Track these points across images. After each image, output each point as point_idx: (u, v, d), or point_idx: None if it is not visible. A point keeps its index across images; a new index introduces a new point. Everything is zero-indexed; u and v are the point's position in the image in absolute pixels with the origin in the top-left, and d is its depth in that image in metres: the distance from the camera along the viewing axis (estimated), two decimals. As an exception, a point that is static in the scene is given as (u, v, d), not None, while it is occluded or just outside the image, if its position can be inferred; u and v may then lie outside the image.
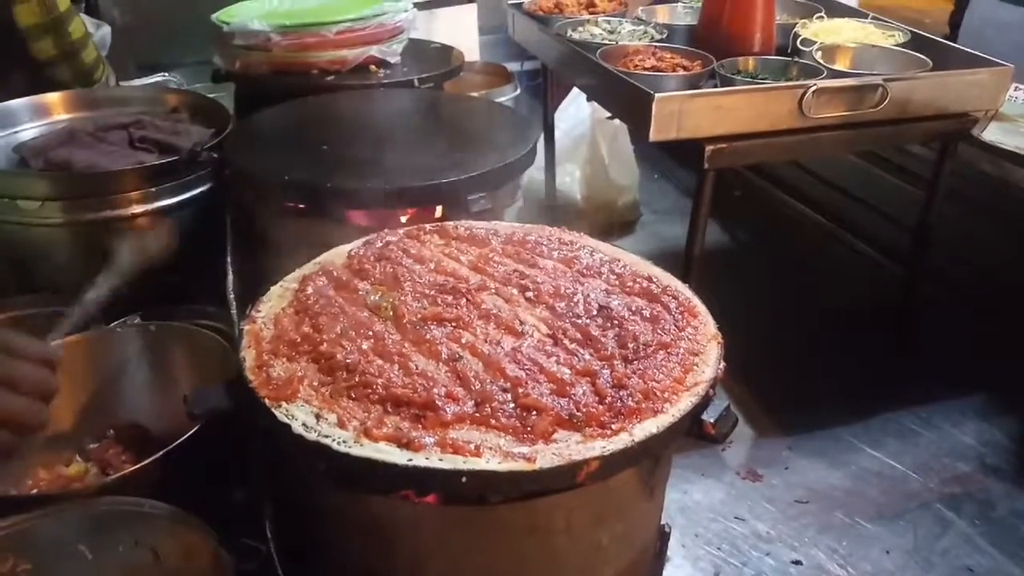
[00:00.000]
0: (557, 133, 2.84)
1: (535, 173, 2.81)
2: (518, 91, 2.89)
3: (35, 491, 1.23)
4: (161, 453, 1.09)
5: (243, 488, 1.15)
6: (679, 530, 1.66)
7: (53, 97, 1.92)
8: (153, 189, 1.63)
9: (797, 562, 1.60)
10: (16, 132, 1.83)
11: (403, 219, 1.49)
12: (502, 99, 2.70)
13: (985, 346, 2.14)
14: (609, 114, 2.62)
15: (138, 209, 1.63)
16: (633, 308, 1.08)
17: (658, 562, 1.22)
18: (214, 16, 2.07)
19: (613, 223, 2.86)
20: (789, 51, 2.06)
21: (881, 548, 1.64)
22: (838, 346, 2.21)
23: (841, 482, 1.80)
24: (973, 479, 1.81)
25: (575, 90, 2.86)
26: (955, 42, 2.05)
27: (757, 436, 1.93)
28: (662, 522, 1.20)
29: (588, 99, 2.67)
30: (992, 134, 1.80)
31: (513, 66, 3.11)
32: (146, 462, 1.09)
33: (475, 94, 2.62)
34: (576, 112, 2.85)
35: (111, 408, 1.37)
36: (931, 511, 1.73)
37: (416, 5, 2.22)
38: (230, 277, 1.36)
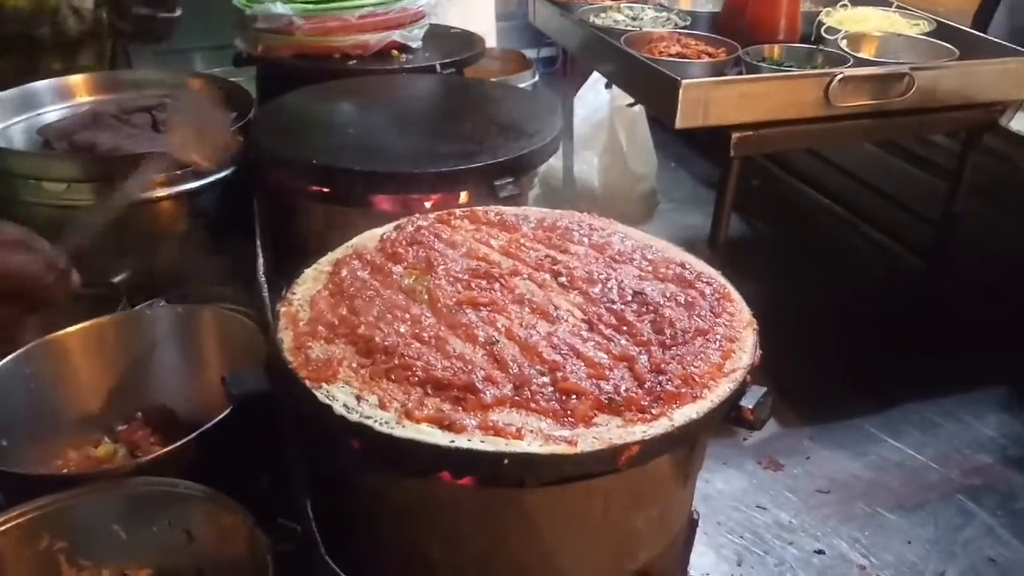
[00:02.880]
0: (575, 120, 2.82)
1: (553, 160, 2.79)
2: (536, 77, 2.87)
3: (65, 471, 1.24)
4: (196, 434, 1.10)
5: (276, 469, 1.15)
6: (702, 518, 1.64)
7: (76, 79, 1.92)
8: (178, 172, 1.63)
9: (820, 551, 1.60)
10: (40, 114, 1.83)
11: (427, 204, 1.49)
12: (520, 86, 2.68)
13: (1007, 339, 2.13)
14: (628, 101, 2.61)
15: (162, 192, 1.63)
16: (668, 294, 1.08)
17: (687, 548, 1.22)
18: (236, -1, 2.06)
19: (631, 211, 2.84)
20: (813, 39, 2.04)
21: (903, 538, 1.64)
22: (859, 338, 2.20)
23: (862, 472, 1.80)
24: (994, 471, 1.81)
25: (593, 77, 2.84)
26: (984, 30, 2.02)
27: (778, 426, 1.93)
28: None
29: (608, 85, 2.66)
30: (1020, 124, 1.79)
31: (529, 53, 3.10)
32: (181, 443, 1.09)
33: (493, 80, 2.61)
34: (594, 99, 2.83)
35: (139, 390, 1.37)
36: (953, 502, 1.72)
37: (433, -10, 2.21)
38: (260, 259, 1.35)
